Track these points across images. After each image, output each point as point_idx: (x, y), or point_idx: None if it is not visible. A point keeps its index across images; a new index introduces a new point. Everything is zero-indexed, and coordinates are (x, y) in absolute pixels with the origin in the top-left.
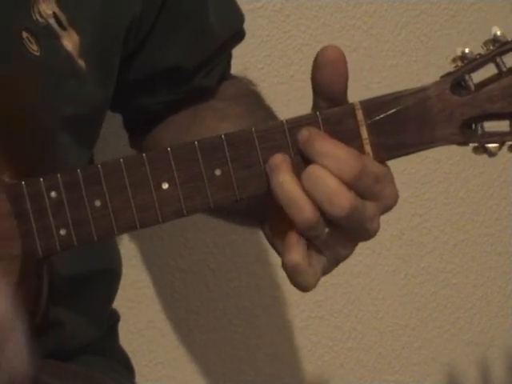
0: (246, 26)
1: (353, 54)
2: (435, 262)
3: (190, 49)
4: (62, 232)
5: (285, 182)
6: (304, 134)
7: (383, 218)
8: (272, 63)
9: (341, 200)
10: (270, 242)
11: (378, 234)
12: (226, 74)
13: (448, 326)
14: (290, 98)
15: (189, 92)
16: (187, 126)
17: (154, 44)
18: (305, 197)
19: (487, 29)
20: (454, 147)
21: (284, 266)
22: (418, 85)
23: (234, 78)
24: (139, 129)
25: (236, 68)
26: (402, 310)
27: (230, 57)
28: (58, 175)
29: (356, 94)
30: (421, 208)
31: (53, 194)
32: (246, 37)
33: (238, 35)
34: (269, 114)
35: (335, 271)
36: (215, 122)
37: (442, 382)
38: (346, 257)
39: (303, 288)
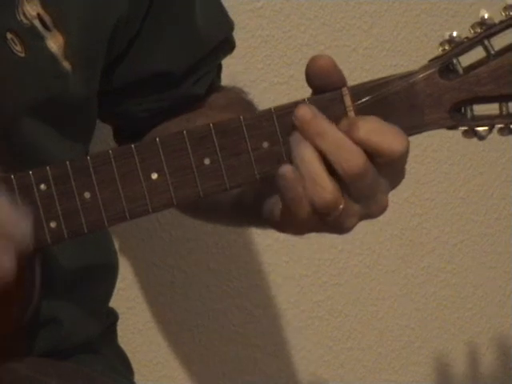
0: (246, 25)
1: (353, 53)
2: (435, 262)
3: (177, 54)
4: (52, 224)
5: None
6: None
7: (383, 218)
8: (272, 63)
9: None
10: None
11: (377, 234)
12: (215, 85)
13: (448, 325)
14: (289, 98)
15: (177, 99)
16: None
17: (140, 48)
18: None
19: None
20: (454, 147)
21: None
22: None
23: (224, 88)
24: (128, 138)
25: (236, 68)
26: (402, 310)
27: (220, 68)
28: (48, 168)
29: None
30: (421, 208)
31: (42, 186)
32: (246, 37)
33: (227, 44)
34: None
35: (335, 271)
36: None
37: (442, 382)
38: (347, 229)
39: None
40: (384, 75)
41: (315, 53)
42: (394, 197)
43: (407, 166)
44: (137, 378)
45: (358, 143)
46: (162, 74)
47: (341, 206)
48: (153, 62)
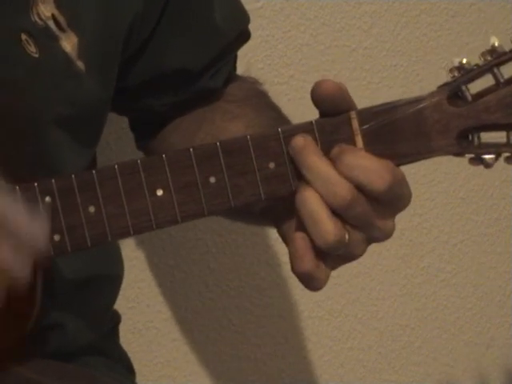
0: None
1: (353, 53)
2: (435, 262)
3: (195, 50)
4: (56, 238)
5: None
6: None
7: None
8: (272, 63)
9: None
10: (285, 242)
11: None
12: (232, 75)
13: (448, 325)
14: (290, 97)
15: (196, 93)
16: (197, 127)
17: (159, 45)
18: (339, 176)
19: (487, 29)
20: None
21: (295, 272)
22: (418, 85)
23: (240, 78)
24: (146, 131)
25: (236, 68)
26: (402, 310)
27: (235, 58)
28: (53, 180)
29: (356, 94)
30: (421, 208)
31: (47, 199)
32: None
33: (244, 36)
34: (278, 113)
35: (335, 271)
36: (225, 122)
37: (442, 381)
38: (359, 256)
39: (315, 289)
40: (384, 75)
41: (315, 53)
42: None
43: (407, 166)
44: (138, 377)
45: (343, 176)
46: (180, 71)
47: (346, 239)
48: (172, 59)
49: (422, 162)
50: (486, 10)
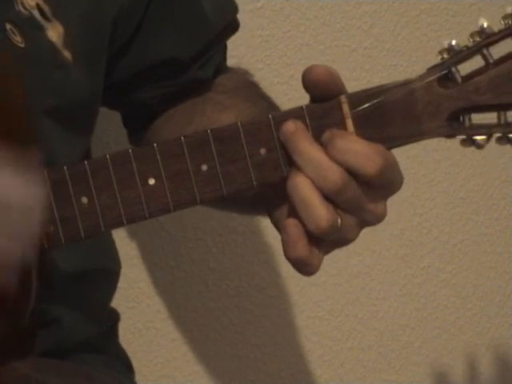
0: (246, 25)
1: (353, 53)
2: (435, 262)
3: (184, 40)
4: (49, 229)
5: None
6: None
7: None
8: (272, 63)
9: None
10: (278, 229)
11: (377, 234)
12: (221, 66)
13: (448, 325)
14: (289, 97)
15: (185, 84)
16: (188, 119)
17: (147, 37)
18: (330, 161)
19: None
20: (454, 147)
21: (288, 258)
22: None
23: (230, 69)
24: (138, 124)
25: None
26: (402, 310)
27: (225, 48)
28: (45, 172)
29: None
30: (421, 208)
31: None
32: (246, 37)
33: (233, 26)
34: (269, 103)
35: (335, 271)
36: (216, 113)
37: (442, 382)
38: (352, 240)
39: (308, 274)
40: (384, 75)
41: (315, 53)
42: (394, 196)
43: (407, 166)
44: (137, 377)
45: (334, 160)
46: (169, 61)
47: (339, 223)
48: (160, 49)
49: (423, 161)
50: (485, 9)
